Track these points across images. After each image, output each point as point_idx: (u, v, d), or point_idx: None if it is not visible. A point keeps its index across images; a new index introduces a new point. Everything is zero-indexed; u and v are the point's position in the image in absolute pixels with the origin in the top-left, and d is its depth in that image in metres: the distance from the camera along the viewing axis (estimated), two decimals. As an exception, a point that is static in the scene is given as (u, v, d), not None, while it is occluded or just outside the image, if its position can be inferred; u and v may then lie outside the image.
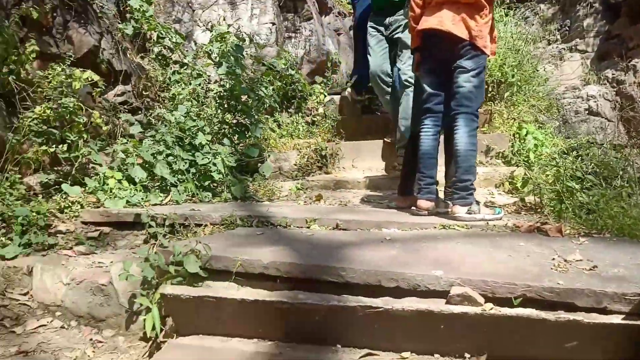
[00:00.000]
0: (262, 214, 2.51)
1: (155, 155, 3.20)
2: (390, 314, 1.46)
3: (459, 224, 2.30)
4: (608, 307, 1.37)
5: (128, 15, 4.27)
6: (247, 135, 4.01)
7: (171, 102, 3.99)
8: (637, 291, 1.36)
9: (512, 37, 4.88)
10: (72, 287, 2.01)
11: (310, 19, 6.39)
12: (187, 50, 4.52)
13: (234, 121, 4.08)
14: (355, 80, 4.81)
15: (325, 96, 5.34)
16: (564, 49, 6.77)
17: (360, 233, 2.25)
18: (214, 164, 3.39)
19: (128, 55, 4.22)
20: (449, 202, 2.59)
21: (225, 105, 4.00)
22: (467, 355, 1.45)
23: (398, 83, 3.52)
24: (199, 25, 5.53)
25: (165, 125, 3.48)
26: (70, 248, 2.37)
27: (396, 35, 3.54)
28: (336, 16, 7.53)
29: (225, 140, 3.82)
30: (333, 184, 3.72)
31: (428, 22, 2.49)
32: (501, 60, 4.44)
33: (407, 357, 1.48)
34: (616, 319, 1.34)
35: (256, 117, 4.05)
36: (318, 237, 2.13)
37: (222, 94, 4.01)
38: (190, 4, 5.60)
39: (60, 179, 2.98)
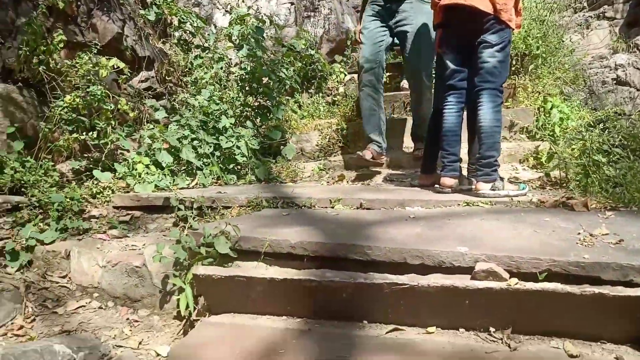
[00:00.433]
0: (287, 195, 2.56)
1: (181, 139, 3.27)
2: (415, 291, 1.49)
3: (483, 201, 2.30)
4: (634, 280, 1.38)
5: (149, 1, 4.31)
6: (269, 117, 4.04)
7: (193, 87, 4.04)
8: (664, 264, 1.36)
9: (537, 7, 4.74)
10: (107, 270, 2.10)
11: (328, -4, 6.33)
12: (207, 34, 4.54)
13: (256, 103, 4.11)
14: None
15: (345, 75, 5.32)
16: (591, 16, 6.55)
17: (384, 212, 2.27)
18: (238, 147, 3.44)
19: (150, 41, 4.27)
20: (472, 179, 2.59)
21: (247, 88, 4.03)
22: (491, 329, 1.48)
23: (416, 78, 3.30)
24: (218, 8, 5.55)
25: (189, 110, 3.54)
26: (104, 232, 2.46)
27: (403, 29, 3.26)
28: (354, -8, 7.42)
29: (248, 123, 3.86)
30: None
31: (451, -3, 2.45)
32: (525, 32, 4.33)
33: (432, 332, 1.52)
34: (643, 292, 1.34)
35: (277, 98, 4.08)
36: (343, 217, 2.16)
37: (243, 76, 4.04)
38: (208, -13, 5.61)
39: (91, 165, 3.09)
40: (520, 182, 2.56)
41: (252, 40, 4.00)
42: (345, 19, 6.66)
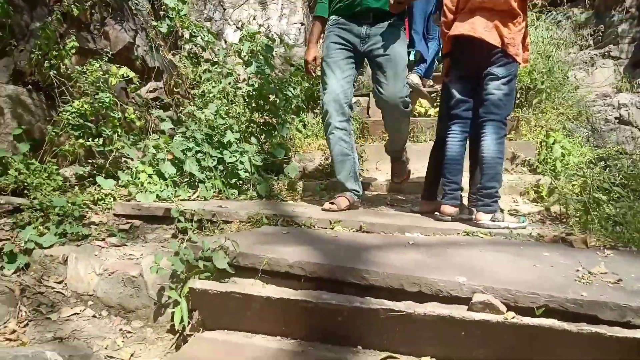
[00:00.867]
0: (287, 213, 2.56)
1: (185, 151, 3.29)
2: (412, 318, 1.49)
3: (483, 231, 2.30)
4: (632, 322, 1.37)
5: (162, 13, 4.38)
6: (274, 135, 4.07)
7: (201, 100, 4.08)
8: (662, 307, 1.36)
9: (543, 42, 4.82)
10: (104, 278, 2.09)
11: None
12: (217, 49, 4.61)
13: (261, 120, 4.15)
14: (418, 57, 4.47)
15: (351, 98, 5.36)
16: (597, 54, 6.63)
17: (384, 236, 2.28)
18: (241, 162, 3.46)
19: (161, 52, 4.33)
20: (473, 208, 2.59)
21: (253, 105, 4.07)
22: (486, 362, 1.47)
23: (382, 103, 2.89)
24: (229, 24, 5.65)
25: (195, 123, 3.57)
26: (103, 239, 2.47)
27: (377, 55, 2.82)
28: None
29: (253, 139, 3.89)
30: (357, 186, 3.74)
31: (460, 28, 2.50)
32: (531, 66, 4.39)
33: (426, 362, 1.51)
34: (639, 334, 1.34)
35: (283, 117, 4.11)
36: (342, 239, 2.17)
37: (250, 93, 4.09)
38: (221, 3, 5.72)
39: (95, 172, 3.10)
40: (521, 215, 2.57)
41: (261, 57, 4.05)
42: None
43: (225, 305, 1.68)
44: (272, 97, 4.10)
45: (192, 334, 1.74)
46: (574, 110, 4.58)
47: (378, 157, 4.23)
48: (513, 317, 1.43)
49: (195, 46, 4.64)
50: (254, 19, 5.60)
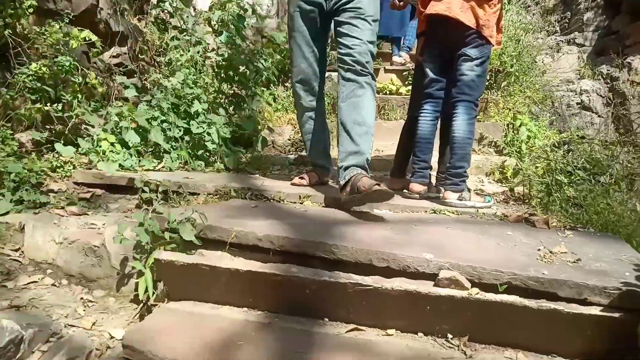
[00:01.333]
0: (256, 187, 2.53)
1: (150, 120, 3.18)
2: (379, 293, 1.51)
3: (450, 210, 2.34)
4: (588, 299, 1.43)
5: (128, -25, 4.17)
6: (243, 107, 3.98)
7: (167, 68, 3.94)
8: (617, 285, 1.42)
9: (513, 26, 4.88)
10: (64, 247, 2.02)
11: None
12: (186, 16, 4.43)
13: (231, 92, 4.05)
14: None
15: (323, 72, 5.30)
16: (562, 41, 6.78)
17: (353, 212, 2.28)
18: (209, 134, 3.37)
19: (126, 17, 4.14)
20: (440, 187, 2.63)
21: (223, 75, 3.95)
22: (449, 335, 1.51)
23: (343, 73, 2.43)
24: (199, -9, 5.42)
25: (161, 91, 3.44)
26: (62, 208, 2.36)
27: (343, 13, 2.39)
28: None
29: (221, 111, 3.79)
30: (326, 162, 3.72)
31: (436, 7, 2.48)
32: (501, 49, 4.44)
33: (392, 334, 1.54)
34: (595, 310, 1.40)
35: (253, 89, 4.02)
36: (311, 214, 2.16)
37: (220, 63, 3.97)
38: (191, -32, 5.47)
39: (53, 138, 2.96)
40: (486, 195, 2.63)
41: (232, 27, 3.92)
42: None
43: (192, 277, 1.66)
44: (242, 69, 4.00)
45: (156, 305, 1.71)
46: (540, 94, 4.69)
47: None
48: (477, 293, 1.47)
49: (163, 12, 4.45)
50: (226, -14, 5.40)
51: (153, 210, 2.02)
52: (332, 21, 2.55)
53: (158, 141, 3.11)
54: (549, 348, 1.46)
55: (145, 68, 4.21)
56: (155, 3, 4.34)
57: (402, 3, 2.82)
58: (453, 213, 2.31)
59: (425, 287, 1.50)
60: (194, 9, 5.38)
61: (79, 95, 3.16)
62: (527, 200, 2.67)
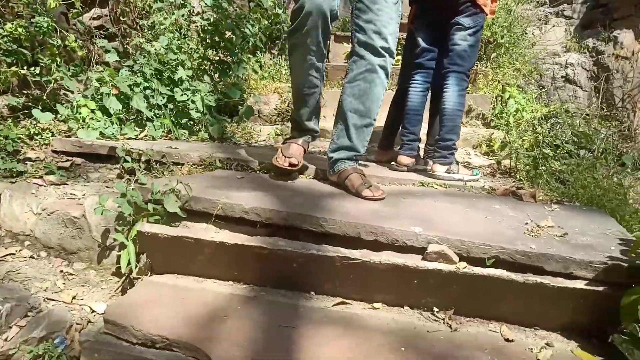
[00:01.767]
0: (242, 157, 2.47)
1: (132, 87, 3.07)
2: (367, 266, 1.49)
3: (437, 182, 2.33)
4: (574, 273, 1.44)
5: None
6: (229, 74, 3.87)
7: (150, 32, 3.79)
8: (602, 259, 1.43)
9: (504, -4, 4.79)
10: (42, 217, 1.96)
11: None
12: (170, -23, 4.24)
13: (216, 58, 3.93)
14: None
15: (311, 40, 5.17)
16: (551, 13, 6.70)
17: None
18: (193, 102, 3.28)
19: (106, -24, 3.94)
20: (428, 160, 2.61)
21: (208, 41, 3.82)
22: (435, 309, 1.51)
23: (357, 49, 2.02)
24: (183, -50, 5.19)
25: (144, 56, 3.32)
26: (41, 177, 2.29)
27: None
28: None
29: (206, 78, 3.68)
30: (313, 132, 3.66)
31: (428, -27, 2.40)
32: (492, 20, 4.37)
33: (378, 308, 1.54)
34: (580, 284, 1.41)
35: (240, 55, 3.91)
36: (299, 186, 2.12)
37: (205, 27, 3.83)
38: None
39: (30, 104, 2.84)
40: (474, 168, 2.62)
41: (219, -11, 3.77)
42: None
43: (176, 249, 1.62)
44: (228, 34, 3.87)
45: (139, 278, 1.68)
46: (528, 66, 4.65)
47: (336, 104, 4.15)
48: (465, 267, 1.46)
49: (145, -29, 4.25)
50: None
51: (136, 181, 1.97)
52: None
53: (140, 108, 3.02)
54: (532, 321, 1.48)
55: (127, 31, 4.04)
56: (137, -38, 4.14)
57: None
58: (441, 186, 2.30)
59: (413, 261, 1.49)
60: (177, -30, 5.16)
61: (58, 59, 3.03)
62: (513, 174, 2.66)
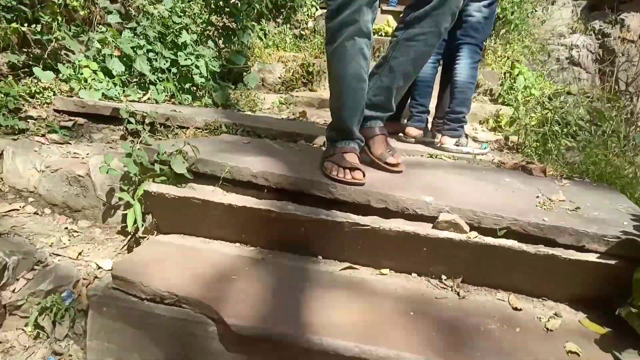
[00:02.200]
0: (248, 123, 2.43)
1: (135, 49, 3.00)
2: (376, 233, 1.48)
3: (446, 155, 2.30)
4: (586, 246, 1.43)
5: None
6: (233, 40, 3.79)
7: (153, -6, 3.69)
8: (616, 234, 1.42)
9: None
10: (46, 175, 1.93)
11: None
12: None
13: (220, 24, 3.84)
14: None
15: (316, 9, 5.07)
16: (559, -8, 6.58)
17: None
18: (197, 67, 3.22)
19: None
20: (437, 132, 2.58)
21: (213, 5, 3.73)
22: (443, 277, 1.51)
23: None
24: None
25: (147, 19, 3.23)
26: (43, 135, 2.25)
27: None
28: None
29: (210, 43, 3.60)
30: (317, 102, 3.63)
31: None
32: (503, -5, 4.29)
33: (385, 274, 1.53)
34: (592, 257, 1.40)
35: (244, 22, 3.82)
36: (307, 153, 2.09)
37: (210, -9, 3.73)
38: None
39: (31, 62, 2.77)
40: (483, 142, 2.59)
41: (225, -48, 3.66)
42: (323, -51, 6.29)
43: (183, 210, 1.60)
44: (233, -1, 3.78)
45: (145, 237, 1.66)
46: (537, 45, 4.58)
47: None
48: (476, 237, 1.45)
49: None
50: None
51: (141, 142, 1.93)
52: None
53: (144, 71, 2.95)
54: (540, 292, 1.47)
55: (129, -7, 3.94)
56: None
57: None
58: (450, 158, 2.27)
59: (423, 229, 1.47)
60: None
61: (59, 18, 2.95)
62: (520, 150, 2.64)
